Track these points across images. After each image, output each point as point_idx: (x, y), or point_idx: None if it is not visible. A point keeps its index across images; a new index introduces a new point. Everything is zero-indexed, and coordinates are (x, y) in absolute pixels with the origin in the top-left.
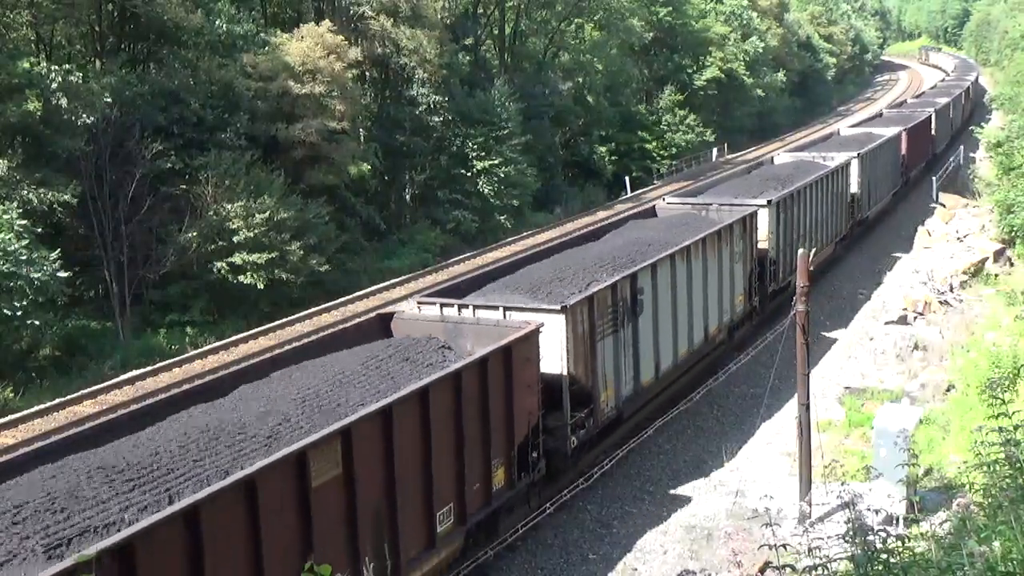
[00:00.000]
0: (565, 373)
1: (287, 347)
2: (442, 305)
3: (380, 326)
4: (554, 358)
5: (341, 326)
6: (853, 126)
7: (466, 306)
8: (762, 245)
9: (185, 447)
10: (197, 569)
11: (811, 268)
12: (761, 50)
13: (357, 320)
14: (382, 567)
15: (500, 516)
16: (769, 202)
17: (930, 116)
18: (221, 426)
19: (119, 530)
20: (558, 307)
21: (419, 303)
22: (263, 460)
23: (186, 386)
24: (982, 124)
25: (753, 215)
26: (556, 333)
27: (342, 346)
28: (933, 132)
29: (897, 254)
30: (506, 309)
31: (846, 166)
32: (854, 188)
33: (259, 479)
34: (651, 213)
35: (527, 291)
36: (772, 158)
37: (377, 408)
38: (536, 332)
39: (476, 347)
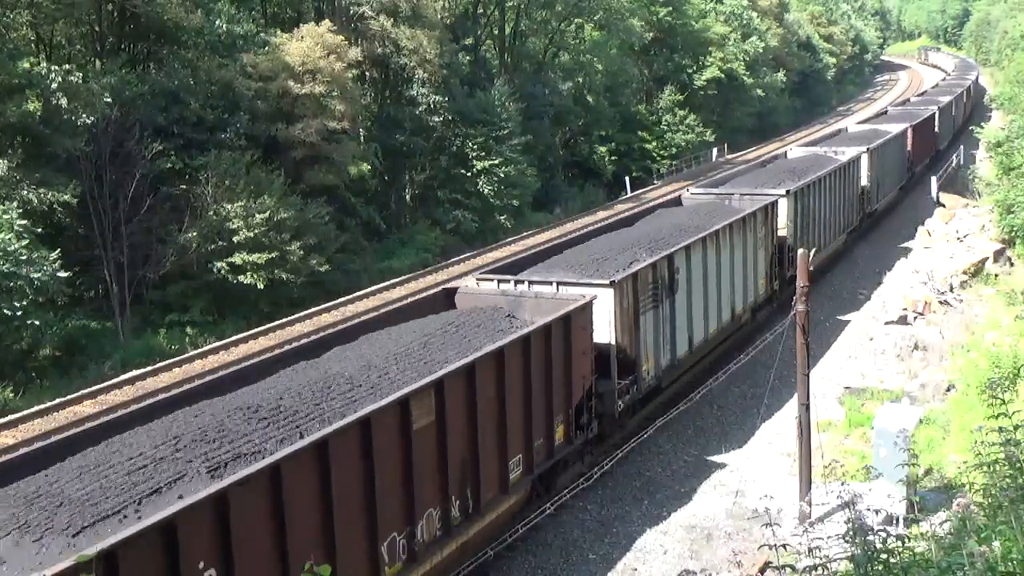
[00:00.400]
0: (613, 342)
1: (372, 314)
2: (499, 281)
3: (445, 299)
4: (603, 329)
5: (409, 299)
6: (860, 123)
7: (522, 281)
8: (781, 233)
9: (303, 394)
10: (327, 492)
11: (811, 269)
12: (761, 50)
13: (424, 294)
14: (464, 506)
15: (558, 470)
16: (788, 192)
17: (934, 114)
18: (330, 377)
19: (263, 457)
20: (607, 282)
21: (478, 279)
22: (376, 403)
23: (287, 346)
24: (982, 124)
25: (774, 204)
26: (605, 306)
27: (413, 316)
28: (936, 130)
29: (901, 245)
30: (559, 284)
31: (856, 160)
32: (864, 181)
33: (373, 419)
34: (677, 202)
35: (575, 269)
36: (786, 152)
37: (463, 364)
38: (590, 304)
39: (534, 317)
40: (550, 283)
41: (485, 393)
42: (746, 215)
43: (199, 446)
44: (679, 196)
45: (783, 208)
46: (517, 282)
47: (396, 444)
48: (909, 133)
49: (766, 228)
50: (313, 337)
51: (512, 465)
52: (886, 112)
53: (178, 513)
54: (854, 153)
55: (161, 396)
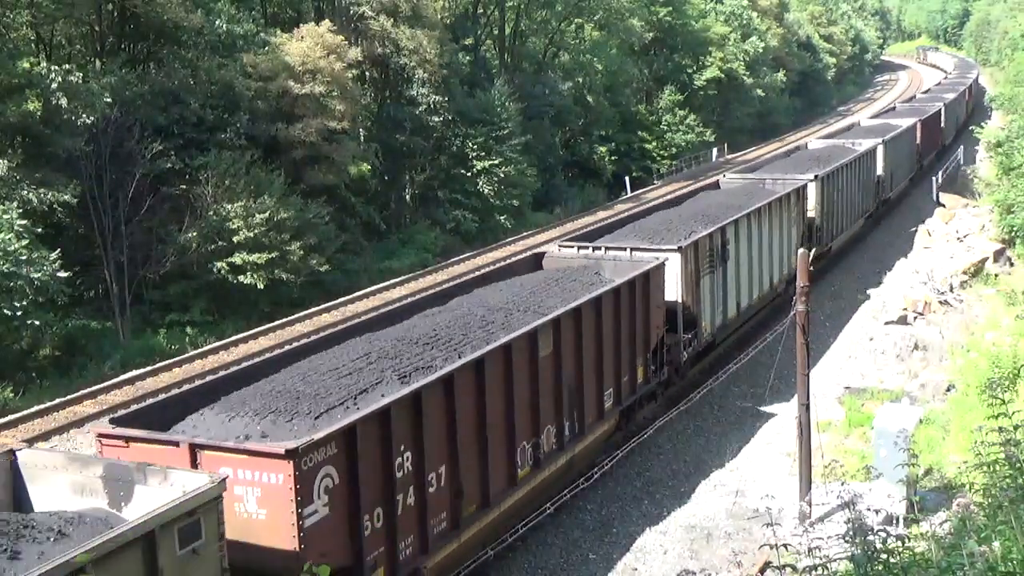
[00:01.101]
0: (679, 300)
1: (478, 272)
2: (579, 247)
3: (533, 263)
4: (671, 288)
5: (503, 262)
6: (872, 117)
7: (599, 247)
8: (811, 214)
9: (451, 328)
10: (481, 399)
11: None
12: (761, 50)
13: (516, 258)
14: (572, 426)
15: (637, 407)
16: (816, 177)
17: (940, 109)
18: (468, 316)
19: (435, 371)
20: (675, 247)
21: (560, 246)
22: (514, 333)
23: (417, 296)
24: (982, 124)
25: (804, 188)
26: (673, 268)
27: (505, 277)
28: (943, 125)
29: (901, 245)
30: (632, 249)
31: (873, 151)
32: (879, 171)
33: (513, 345)
34: (715, 186)
35: (643, 238)
36: (807, 143)
37: (572, 307)
38: (663, 265)
39: (614, 277)
40: (624, 249)
41: (587, 333)
42: (781, 196)
43: (386, 361)
44: (717, 181)
45: (812, 191)
46: (595, 248)
47: (527, 368)
48: (918, 127)
49: (798, 209)
50: (436, 289)
51: (606, 396)
52: (894, 108)
53: (391, 403)
54: (871, 144)
55: (401, 302)
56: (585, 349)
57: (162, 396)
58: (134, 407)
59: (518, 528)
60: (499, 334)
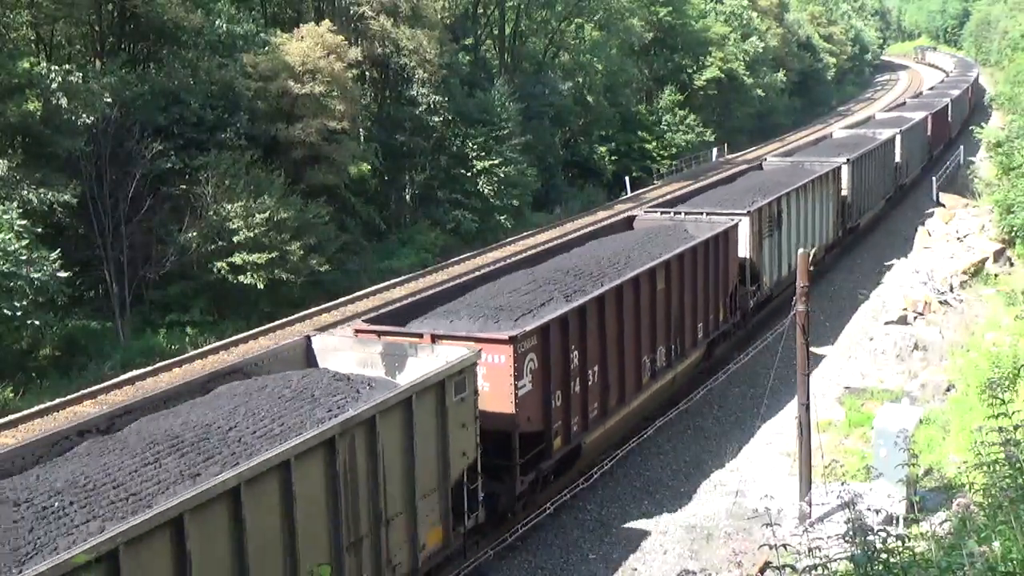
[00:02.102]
0: (748, 257)
1: (582, 231)
2: (662, 212)
3: (625, 224)
4: (743, 246)
5: (600, 223)
6: (886, 110)
7: (679, 212)
8: (844, 193)
9: (588, 265)
10: (620, 319)
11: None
12: (761, 50)
13: (609, 221)
14: (675, 349)
15: (717, 343)
16: (848, 160)
17: (947, 104)
18: (598, 258)
19: (587, 293)
20: (745, 212)
21: (645, 211)
22: (639, 268)
23: (549, 245)
24: (982, 124)
25: (838, 169)
26: (743, 229)
27: (608, 234)
28: (950, 119)
29: (901, 245)
30: (708, 213)
31: (892, 140)
32: (897, 158)
33: (640, 277)
34: (759, 167)
35: (714, 205)
36: (831, 134)
37: (678, 252)
38: (737, 226)
39: (697, 235)
40: (701, 213)
41: (687, 275)
42: (821, 175)
43: (551, 285)
44: (760, 163)
45: (844, 173)
46: (676, 212)
47: (648, 297)
48: (929, 120)
49: (834, 187)
50: (557, 241)
51: (698, 329)
52: (904, 103)
53: (568, 311)
54: (890, 134)
55: (499, 263)
56: (686, 288)
57: (396, 305)
58: (376, 313)
59: (518, 528)
60: (625, 271)
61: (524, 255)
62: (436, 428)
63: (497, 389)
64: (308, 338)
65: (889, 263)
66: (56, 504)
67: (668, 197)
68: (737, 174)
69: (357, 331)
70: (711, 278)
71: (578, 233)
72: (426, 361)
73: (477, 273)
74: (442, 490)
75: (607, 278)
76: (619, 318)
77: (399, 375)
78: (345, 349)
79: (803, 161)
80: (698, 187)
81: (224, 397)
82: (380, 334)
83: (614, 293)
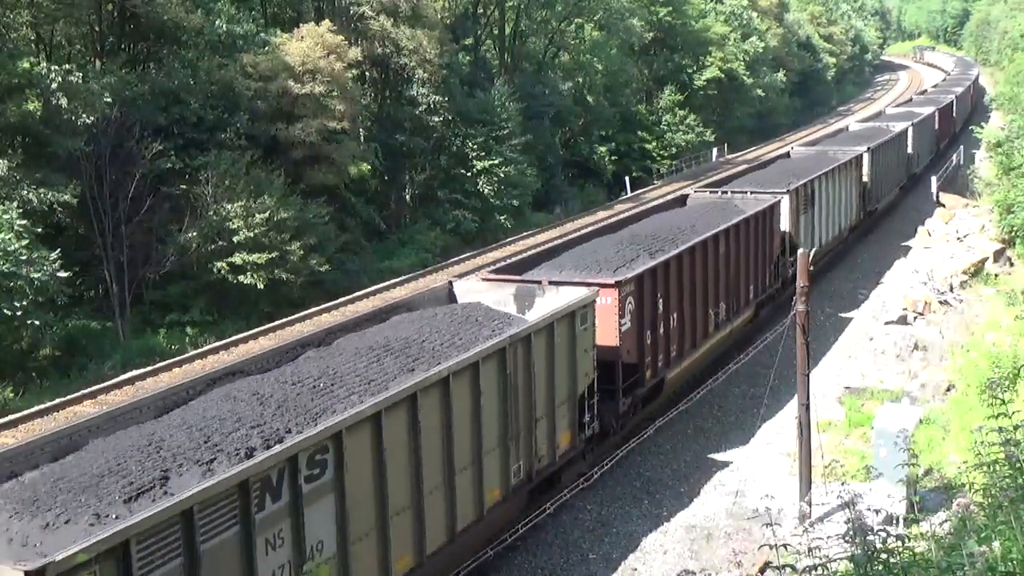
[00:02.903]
0: (788, 231)
1: (640, 208)
2: (710, 191)
3: (679, 202)
4: (784, 221)
5: (653, 203)
6: (895, 105)
7: (726, 192)
8: (864, 179)
9: (665, 230)
10: (692, 274)
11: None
12: (761, 50)
13: (662, 200)
14: (731, 308)
15: (763, 304)
16: (869, 148)
17: (952, 100)
18: (671, 225)
19: (667, 252)
20: (785, 190)
21: (695, 191)
22: (708, 232)
23: (621, 216)
24: (982, 124)
25: (860, 157)
26: (785, 205)
27: (663, 211)
28: (955, 114)
29: (901, 245)
30: (752, 192)
31: (905, 132)
32: (910, 149)
33: (708, 241)
34: (787, 156)
35: (755, 185)
36: (848, 126)
37: (731, 224)
38: (779, 202)
39: (745, 210)
40: (746, 191)
41: (742, 242)
42: (846, 161)
43: (636, 244)
44: (788, 152)
45: (866, 160)
46: (723, 192)
47: (714, 259)
48: (936, 115)
49: (856, 173)
50: (619, 216)
51: (750, 291)
52: (911, 100)
53: (656, 264)
54: (903, 127)
55: (575, 234)
56: (740, 254)
57: (511, 260)
58: (499, 264)
59: (518, 528)
60: (693, 237)
61: (603, 223)
62: (568, 350)
63: (604, 326)
64: (451, 282)
65: (889, 263)
66: (321, 384)
67: (706, 180)
68: (768, 161)
69: (484, 279)
70: (759, 247)
71: (638, 209)
72: (551, 300)
73: (568, 237)
74: (571, 401)
75: (679, 241)
76: (692, 275)
77: (528, 312)
78: (483, 291)
79: (827, 150)
80: (736, 172)
81: (406, 321)
82: (504, 281)
83: (689, 253)
